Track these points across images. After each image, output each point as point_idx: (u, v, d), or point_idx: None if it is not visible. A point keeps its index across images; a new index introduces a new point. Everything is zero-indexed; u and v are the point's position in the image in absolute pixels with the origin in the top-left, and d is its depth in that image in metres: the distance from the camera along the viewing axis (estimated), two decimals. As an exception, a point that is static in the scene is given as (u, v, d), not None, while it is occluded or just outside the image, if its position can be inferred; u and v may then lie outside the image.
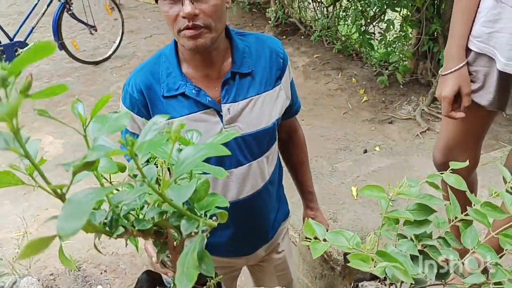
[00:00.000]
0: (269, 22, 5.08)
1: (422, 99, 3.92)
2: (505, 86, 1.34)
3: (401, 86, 4.08)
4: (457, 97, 1.38)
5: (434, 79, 3.90)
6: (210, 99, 1.15)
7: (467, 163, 0.81)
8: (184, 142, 0.50)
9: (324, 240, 0.63)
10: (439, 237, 0.81)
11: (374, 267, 0.59)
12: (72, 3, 4.33)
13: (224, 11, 1.10)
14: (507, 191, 0.80)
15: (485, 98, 1.38)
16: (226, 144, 1.17)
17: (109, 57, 4.74)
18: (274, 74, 1.22)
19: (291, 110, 1.35)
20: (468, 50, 1.37)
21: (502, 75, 1.31)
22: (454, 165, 0.79)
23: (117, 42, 4.80)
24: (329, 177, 2.94)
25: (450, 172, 0.81)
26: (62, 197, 0.36)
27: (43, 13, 4.24)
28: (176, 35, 1.07)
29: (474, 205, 0.82)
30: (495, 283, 0.73)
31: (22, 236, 2.65)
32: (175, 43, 1.16)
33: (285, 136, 1.43)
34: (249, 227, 1.34)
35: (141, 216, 0.42)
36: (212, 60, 1.15)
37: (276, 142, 1.32)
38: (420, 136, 3.49)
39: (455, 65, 1.36)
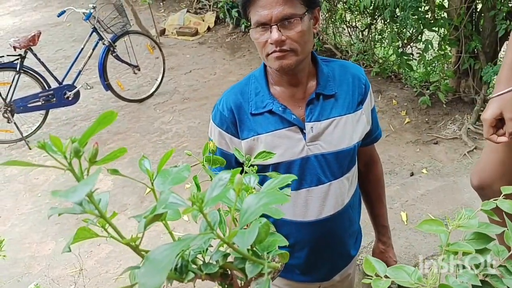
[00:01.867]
0: (305, 50, 5.14)
1: (467, 117, 3.82)
2: None
3: (444, 106, 4.00)
4: (503, 122, 1.35)
5: (477, 97, 3.80)
6: (295, 116, 1.23)
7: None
8: (246, 189, 0.52)
9: (386, 276, 0.63)
10: (500, 265, 0.79)
11: (437, 301, 0.58)
12: (116, 46, 4.54)
13: (311, 36, 1.20)
14: None
15: None
16: (308, 162, 1.25)
17: (152, 94, 4.91)
18: (356, 99, 1.29)
19: (371, 135, 1.40)
20: None
21: None
22: (506, 189, 0.77)
23: (159, 79, 4.97)
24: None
25: (503, 198, 0.79)
26: (136, 249, 0.38)
27: (89, 57, 4.46)
28: (265, 58, 1.19)
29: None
30: None
31: (78, 273, 2.74)
32: (264, 66, 1.28)
33: (364, 168, 1.46)
34: (327, 249, 1.36)
35: (207, 259, 0.45)
36: (298, 81, 1.24)
37: (356, 166, 1.36)
38: (467, 155, 3.39)
39: (501, 89, 1.34)
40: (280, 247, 1.37)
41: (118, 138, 4.23)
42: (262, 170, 1.24)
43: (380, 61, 4.80)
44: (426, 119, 4.00)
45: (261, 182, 1.27)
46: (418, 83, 4.18)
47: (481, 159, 1.58)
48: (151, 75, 5.21)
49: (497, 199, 0.78)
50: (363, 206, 1.51)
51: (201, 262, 0.46)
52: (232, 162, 1.29)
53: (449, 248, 0.65)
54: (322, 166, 1.25)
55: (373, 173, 1.49)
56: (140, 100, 4.83)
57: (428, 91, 4.04)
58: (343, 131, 1.25)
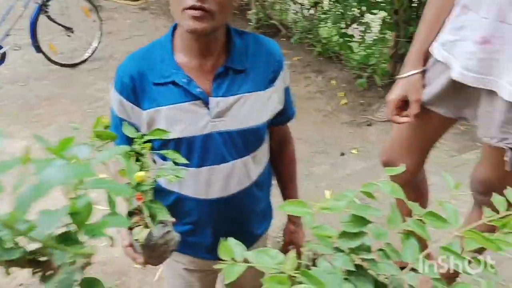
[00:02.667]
0: (250, 24, 5.05)
1: (401, 101, 3.92)
2: (459, 95, 1.32)
3: (380, 89, 4.07)
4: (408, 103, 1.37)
5: (412, 82, 3.89)
6: (200, 90, 1.14)
7: (402, 168, 0.78)
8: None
9: (245, 261, 0.60)
10: (379, 249, 0.78)
11: (292, 289, 0.55)
12: (49, 5, 4.25)
13: (231, 6, 1.12)
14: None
15: (438, 105, 1.36)
16: (211, 138, 1.17)
17: (86, 60, 4.66)
18: (268, 76, 1.22)
19: (284, 115, 1.34)
20: (430, 56, 1.35)
21: (456, 84, 1.29)
22: (388, 171, 0.76)
23: (95, 44, 4.73)
24: (305, 181, 2.91)
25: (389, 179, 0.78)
26: None
27: (20, 15, 4.16)
28: (179, 14, 1.07)
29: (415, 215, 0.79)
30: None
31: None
32: (172, 31, 1.18)
33: (276, 147, 1.41)
34: (232, 227, 1.31)
35: (9, 245, 0.38)
36: (208, 50, 1.15)
37: (265, 146, 1.31)
38: (398, 138, 3.48)
39: (407, 71, 1.34)
40: (183, 223, 1.32)
41: (46, 104, 3.99)
42: (163, 145, 1.18)
43: (323, 41, 4.81)
44: (362, 101, 4.06)
45: (164, 158, 1.22)
46: (357, 65, 4.22)
47: (390, 138, 1.61)
48: (87, 39, 4.93)
49: (379, 181, 0.77)
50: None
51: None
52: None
53: (314, 232, 0.62)
54: (226, 144, 1.20)
55: (285, 153, 1.45)
56: (73, 65, 4.57)
57: (366, 73, 4.10)
58: (251, 109, 1.20)
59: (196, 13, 1.04)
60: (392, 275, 0.75)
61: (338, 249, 0.76)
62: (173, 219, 1.04)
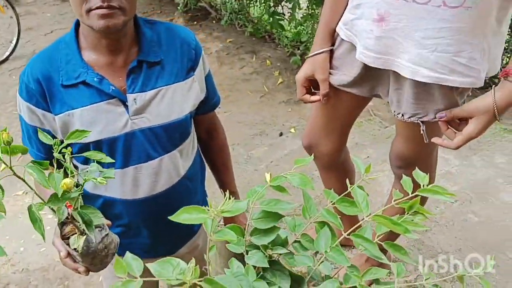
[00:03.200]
0: (178, 8, 4.91)
1: (335, 76, 3.96)
2: (370, 74, 1.33)
3: (314, 65, 4.10)
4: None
5: (344, 56, 3.94)
6: (114, 88, 1.08)
7: (310, 158, 0.77)
8: None
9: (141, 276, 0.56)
10: (295, 241, 0.77)
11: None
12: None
13: None
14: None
15: (351, 86, 1.37)
16: (133, 137, 1.09)
17: (6, 59, 4.37)
18: (186, 66, 1.17)
19: (209, 103, 1.30)
20: (337, 36, 1.35)
21: (363, 63, 1.30)
22: (298, 161, 0.75)
23: (14, 42, 4.43)
24: (245, 165, 2.90)
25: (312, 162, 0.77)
26: None
27: None
28: (85, 15, 1.00)
29: (330, 202, 0.78)
30: (350, 288, 0.70)
31: None
32: (75, 28, 1.11)
33: (205, 136, 1.37)
34: (168, 224, 1.25)
35: None
36: (118, 47, 1.09)
37: (192, 138, 1.27)
38: (334, 113, 3.53)
39: (316, 50, 1.34)
40: (115, 226, 1.26)
41: (-36, 108, 3.73)
42: (83, 148, 1.11)
43: (255, 21, 4.76)
44: (297, 79, 4.07)
45: (85, 163, 1.15)
46: (290, 43, 4.22)
47: (309, 121, 1.61)
48: (5, 37, 4.62)
49: (289, 173, 0.75)
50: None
51: None
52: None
53: (215, 238, 0.59)
54: (150, 141, 1.15)
55: (215, 141, 1.42)
56: (-7, 65, 4.29)
57: (299, 51, 4.11)
58: (171, 102, 1.15)
59: (105, 11, 0.98)
60: (308, 267, 0.74)
61: (253, 246, 0.74)
62: (109, 222, 1.00)
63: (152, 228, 1.27)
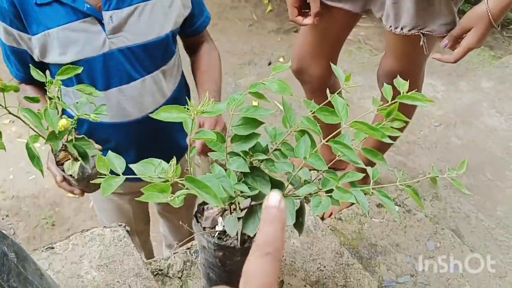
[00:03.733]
0: None
1: (326, 3, 3.86)
2: None
3: (304, -8, 3.98)
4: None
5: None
6: (88, 5, 1.05)
7: (288, 64, 0.77)
8: None
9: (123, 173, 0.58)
10: (275, 149, 0.79)
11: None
12: None
13: None
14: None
15: (343, 1, 1.34)
16: (112, 57, 1.07)
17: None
18: None
19: (196, 21, 1.25)
20: None
21: None
22: (276, 68, 0.75)
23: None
24: (232, 94, 2.88)
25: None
26: None
27: None
28: None
29: (310, 111, 0.79)
30: (327, 191, 0.73)
31: None
32: None
33: (197, 58, 1.31)
34: (156, 145, 1.28)
35: None
36: None
37: (175, 58, 1.24)
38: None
39: None
40: (102, 150, 1.27)
41: None
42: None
43: None
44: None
45: (66, 85, 1.14)
46: (280, -32, 4.06)
47: (298, 42, 1.58)
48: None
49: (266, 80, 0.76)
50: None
51: None
52: (27, 59, 1.12)
53: (194, 137, 0.61)
54: (130, 61, 1.13)
55: (206, 60, 1.32)
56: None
57: (289, -24, 3.96)
58: (150, 19, 1.12)
59: None
60: (288, 173, 0.77)
61: (234, 153, 0.76)
62: (99, 147, 1.01)
63: (139, 150, 1.27)
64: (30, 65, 0.91)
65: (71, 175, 0.95)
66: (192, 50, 1.34)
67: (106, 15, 1.07)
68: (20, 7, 1.04)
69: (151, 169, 0.60)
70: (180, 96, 1.32)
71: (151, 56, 1.16)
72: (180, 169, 0.58)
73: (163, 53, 1.19)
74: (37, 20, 1.06)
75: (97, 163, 0.59)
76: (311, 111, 0.79)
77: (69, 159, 0.96)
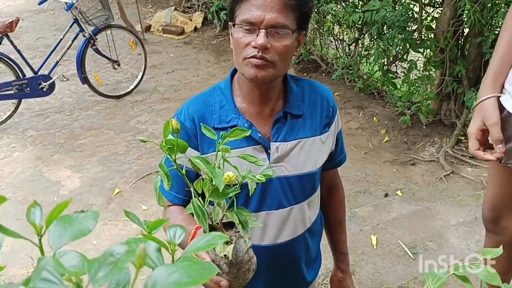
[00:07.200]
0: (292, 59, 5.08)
1: (446, 140, 3.81)
2: None
3: (424, 127, 3.98)
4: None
5: (458, 121, 3.79)
6: (260, 135, 1.15)
7: (500, 250, 0.71)
8: (165, 246, 0.43)
9: None
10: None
11: None
12: (97, 39, 4.41)
13: (291, 56, 1.13)
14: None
15: None
16: (270, 184, 1.16)
17: (130, 92, 4.79)
18: (324, 121, 1.23)
19: (335, 159, 1.33)
20: (501, 108, 1.27)
21: None
22: (485, 252, 0.70)
23: (140, 76, 4.85)
24: (348, 223, 2.83)
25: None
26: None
27: (68, 48, 4.33)
28: (240, 62, 1.10)
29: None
30: None
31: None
32: (231, 78, 1.21)
33: (325, 192, 1.40)
34: (282, 275, 1.30)
35: None
36: (267, 97, 1.17)
37: (319, 191, 1.30)
38: (444, 179, 3.36)
39: (481, 97, 1.27)
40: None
41: (90, 134, 4.10)
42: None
43: (365, 77, 4.77)
44: (405, 139, 3.97)
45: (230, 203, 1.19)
46: (400, 102, 4.15)
47: (488, 193, 1.50)
48: (132, 72, 5.07)
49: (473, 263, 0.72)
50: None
51: None
52: (191, 177, 1.21)
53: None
54: (284, 189, 1.19)
55: (334, 198, 1.43)
56: (118, 97, 4.70)
57: (410, 111, 4.02)
58: (308, 154, 1.19)
59: (258, 61, 1.06)
60: None
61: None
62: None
63: (267, 276, 1.27)
64: (209, 130, 0.95)
65: (225, 256, 0.89)
66: (322, 181, 1.37)
67: (273, 145, 1.16)
68: (199, 127, 1.15)
69: None
70: (317, 227, 1.34)
71: (303, 187, 1.21)
72: None
73: (312, 185, 1.24)
74: (211, 141, 1.14)
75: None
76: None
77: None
